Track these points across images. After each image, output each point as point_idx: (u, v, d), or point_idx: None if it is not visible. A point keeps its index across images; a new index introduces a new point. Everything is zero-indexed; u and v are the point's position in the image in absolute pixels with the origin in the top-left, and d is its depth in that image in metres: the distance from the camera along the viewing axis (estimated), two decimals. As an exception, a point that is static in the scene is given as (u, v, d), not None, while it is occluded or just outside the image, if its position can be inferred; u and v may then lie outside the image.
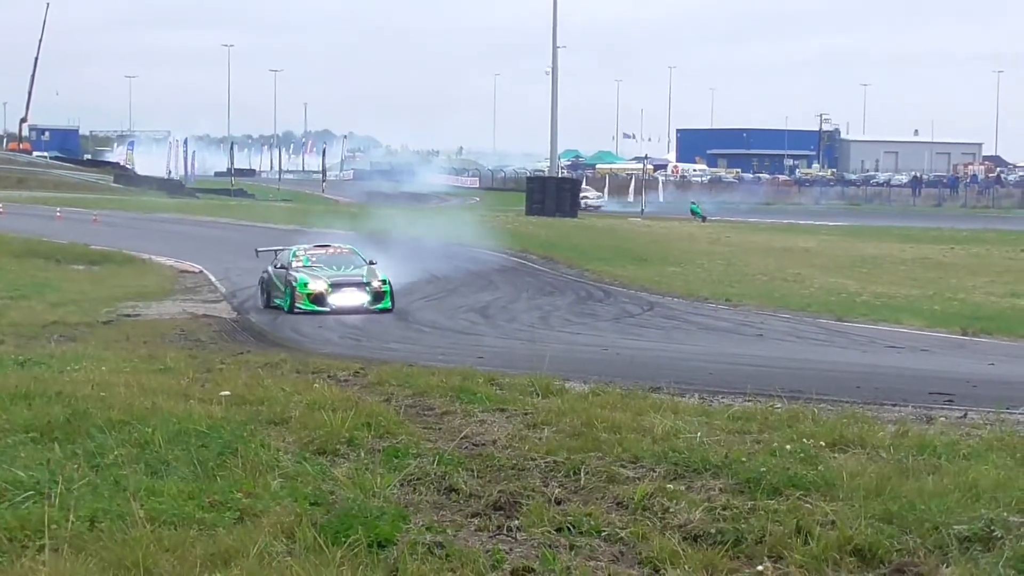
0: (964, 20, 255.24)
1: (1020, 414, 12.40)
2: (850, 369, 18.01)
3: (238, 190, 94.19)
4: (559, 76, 79.35)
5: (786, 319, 26.90)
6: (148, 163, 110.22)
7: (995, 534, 7.34)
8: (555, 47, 78.94)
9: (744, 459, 9.20)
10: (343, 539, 7.31)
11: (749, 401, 12.93)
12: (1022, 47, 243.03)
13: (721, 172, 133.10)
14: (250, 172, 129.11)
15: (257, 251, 32.49)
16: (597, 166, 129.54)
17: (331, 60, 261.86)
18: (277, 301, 28.77)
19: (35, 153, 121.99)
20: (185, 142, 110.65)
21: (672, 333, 24.38)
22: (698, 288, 32.80)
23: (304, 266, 29.42)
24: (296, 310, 28.00)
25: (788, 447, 9.68)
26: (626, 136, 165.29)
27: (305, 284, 28.58)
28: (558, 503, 8.31)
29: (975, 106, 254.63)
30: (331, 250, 31.10)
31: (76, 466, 8.70)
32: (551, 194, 69.49)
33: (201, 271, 36.46)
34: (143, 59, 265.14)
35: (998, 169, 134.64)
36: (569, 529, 7.73)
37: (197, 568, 6.90)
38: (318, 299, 28.37)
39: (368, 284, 28.68)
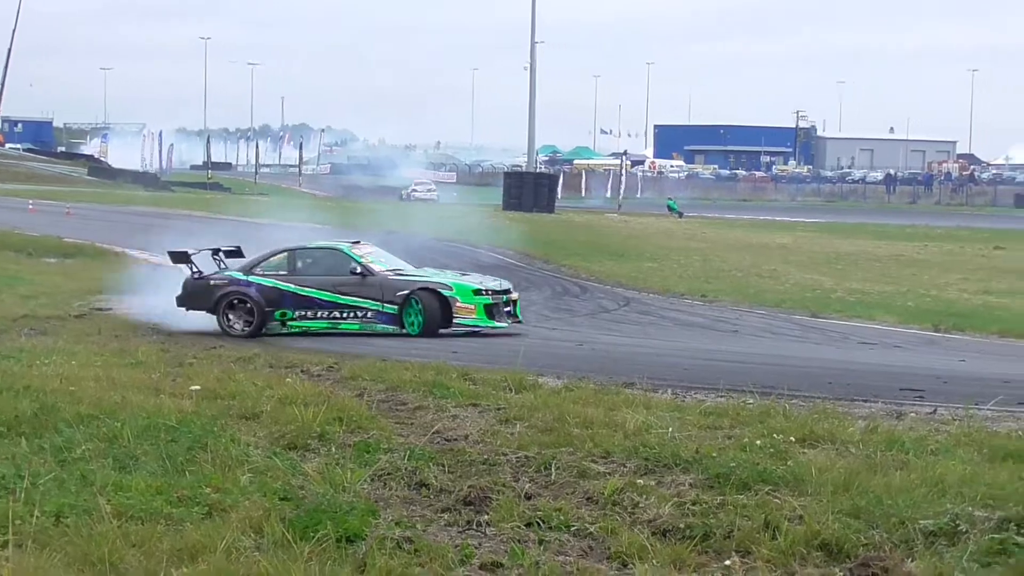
0: (940, 19, 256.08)
1: (988, 410, 12.45)
2: (823, 365, 18.05)
3: (214, 183, 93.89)
4: (537, 72, 79.36)
5: (761, 315, 26.94)
6: (123, 156, 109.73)
7: (960, 528, 7.37)
8: (533, 43, 78.93)
9: (715, 454, 9.23)
10: (311, 534, 7.31)
11: (722, 397, 12.95)
12: (997, 46, 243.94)
13: (698, 168, 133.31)
14: (226, 166, 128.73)
15: (190, 254, 23.38)
16: (575, 161, 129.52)
17: (309, 54, 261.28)
18: (374, 322, 22.03)
19: (8, 145, 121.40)
20: (160, 135, 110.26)
21: (647, 329, 24.39)
22: (674, 284, 32.82)
23: (391, 268, 22.90)
24: (458, 325, 21.83)
25: (758, 442, 9.71)
26: (603, 132, 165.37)
27: (475, 291, 22.27)
28: (528, 498, 8.32)
29: (950, 104, 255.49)
30: (369, 248, 24.24)
31: (43, 461, 8.68)
32: (528, 189, 69.36)
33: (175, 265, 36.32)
34: (119, 51, 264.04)
35: (972, 167, 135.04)
36: (539, 524, 7.75)
37: (164, 563, 6.89)
38: (493, 311, 22.33)
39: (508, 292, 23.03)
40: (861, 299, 29.88)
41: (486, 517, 7.90)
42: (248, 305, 22.53)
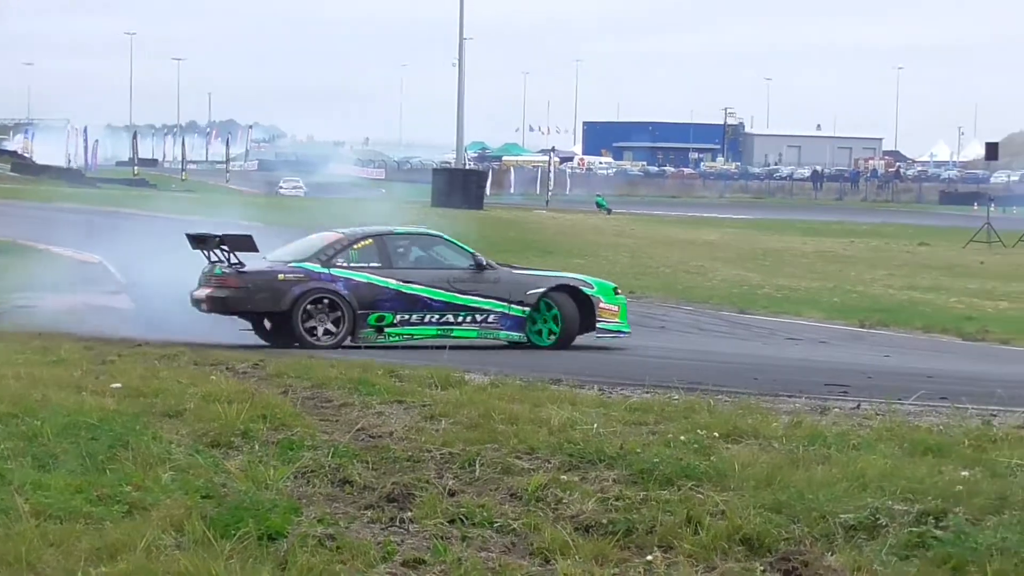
0: (866, 16, 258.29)
1: (911, 405, 12.58)
2: (749, 361, 18.18)
3: (140, 180, 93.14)
4: (466, 68, 79.32)
5: (689, 311, 27.09)
6: (47, 152, 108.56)
7: (880, 522, 7.44)
8: (462, 39, 78.88)
9: (639, 450, 9.25)
10: (233, 532, 7.26)
11: (647, 393, 12.99)
12: (922, 44, 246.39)
13: (627, 165, 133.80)
14: (153, 162, 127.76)
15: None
16: (503, 158, 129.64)
17: (236, 50, 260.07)
18: (507, 333, 18.64)
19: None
20: (85, 131, 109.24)
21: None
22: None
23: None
24: (602, 330, 19.10)
25: (683, 438, 9.75)
26: (531, 129, 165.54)
27: (614, 289, 19.48)
28: (452, 495, 8.31)
29: (876, 101, 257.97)
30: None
31: (-41, 461, 8.57)
32: (457, 186, 69.29)
33: (100, 261, 35.98)
34: (42, 46, 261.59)
35: (897, 164, 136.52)
36: (462, 520, 7.74)
37: (82, 562, 6.82)
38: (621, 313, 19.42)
39: None
40: (788, 295, 30.11)
41: (409, 514, 7.89)
42: (335, 307, 18.33)
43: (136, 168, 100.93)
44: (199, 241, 19.12)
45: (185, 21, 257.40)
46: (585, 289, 19.16)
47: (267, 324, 19.20)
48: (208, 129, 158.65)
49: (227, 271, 18.62)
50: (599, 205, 71.74)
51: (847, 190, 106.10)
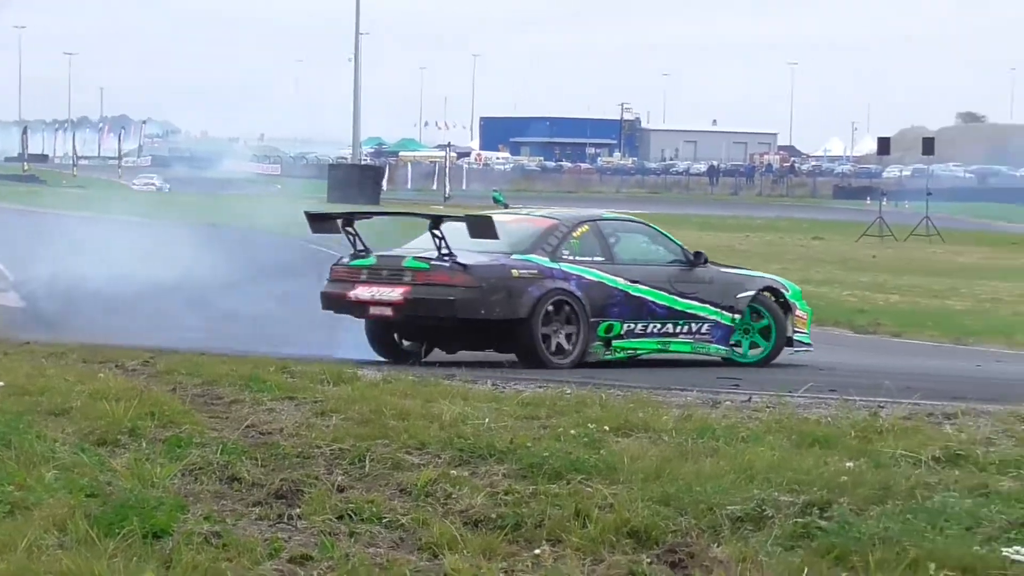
0: (761, 11, 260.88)
1: (800, 397, 12.73)
2: (645, 356, 18.26)
3: (29, 176, 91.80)
4: (362, 63, 79.07)
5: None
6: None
7: (766, 513, 7.52)
8: (358, 34, 78.65)
9: (529, 444, 9.27)
10: (117, 530, 7.16)
11: (541, 388, 13.04)
12: (816, 39, 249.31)
13: (524, 160, 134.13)
14: (43, 158, 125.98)
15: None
16: (400, 154, 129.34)
17: (129, 45, 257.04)
18: (712, 345, 16.17)
19: None
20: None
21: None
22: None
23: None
24: (798, 343, 16.89)
25: (573, 432, 9.79)
26: (427, 124, 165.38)
27: (800, 293, 17.25)
28: (341, 491, 8.27)
29: (772, 97, 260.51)
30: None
31: None
32: (353, 182, 69.28)
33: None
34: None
35: (792, 159, 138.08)
36: (350, 516, 7.70)
37: (-39, 563, 6.70)
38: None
39: None
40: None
41: (298, 511, 7.84)
42: (572, 315, 15.19)
43: (26, 164, 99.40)
44: (320, 221, 16.37)
45: (76, 15, 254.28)
46: (784, 292, 16.71)
47: (397, 335, 16.05)
48: (100, 124, 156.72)
49: (441, 264, 15.04)
50: (496, 200, 71.74)
51: (742, 185, 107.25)
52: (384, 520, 7.66)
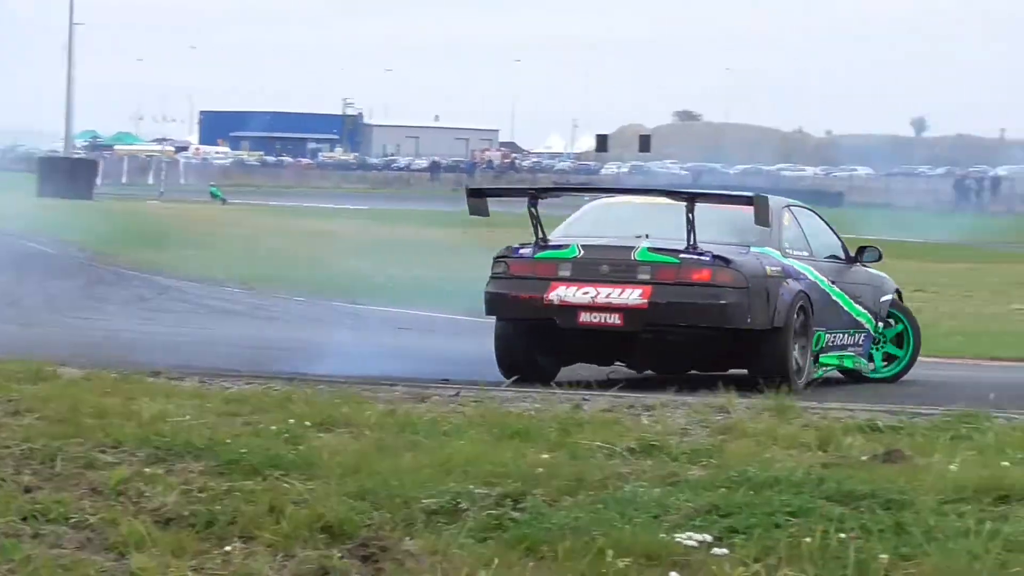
0: (485, 8, 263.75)
1: (507, 391, 12.89)
2: (362, 350, 18.27)
3: None
4: (76, 53, 77.05)
5: (301, 302, 27.06)
6: None
7: (461, 506, 7.59)
8: (72, 23, 76.63)
9: (228, 441, 9.15)
10: None
11: (248, 384, 12.91)
12: (538, 37, 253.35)
13: (244, 155, 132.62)
14: None
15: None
16: (116, 147, 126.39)
17: None
18: (849, 357, 13.82)
19: None
20: None
21: (186, 317, 24.09)
22: (215, 271, 32.46)
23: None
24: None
25: (273, 428, 9.71)
26: (141, 118, 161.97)
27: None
28: (28, 491, 8.02)
29: (494, 93, 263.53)
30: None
31: None
32: (65, 175, 67.47)
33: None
34: None
35: (513, 155, 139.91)
36: (36, 517, 7.48)
37: None
38: None
39: None
40: (401, 285, 30.37)
41: (-22, 513, 7.56)
42: (805, 323, 13.03)
43: None
44: (479, 197, 14.15)
45: None
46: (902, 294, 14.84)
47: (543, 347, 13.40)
48: None
49: (698, 257, 12.56)
50: (213, 195, 70.95)
51: (464, 180, 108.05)
52: (72, 520, 7.47)
